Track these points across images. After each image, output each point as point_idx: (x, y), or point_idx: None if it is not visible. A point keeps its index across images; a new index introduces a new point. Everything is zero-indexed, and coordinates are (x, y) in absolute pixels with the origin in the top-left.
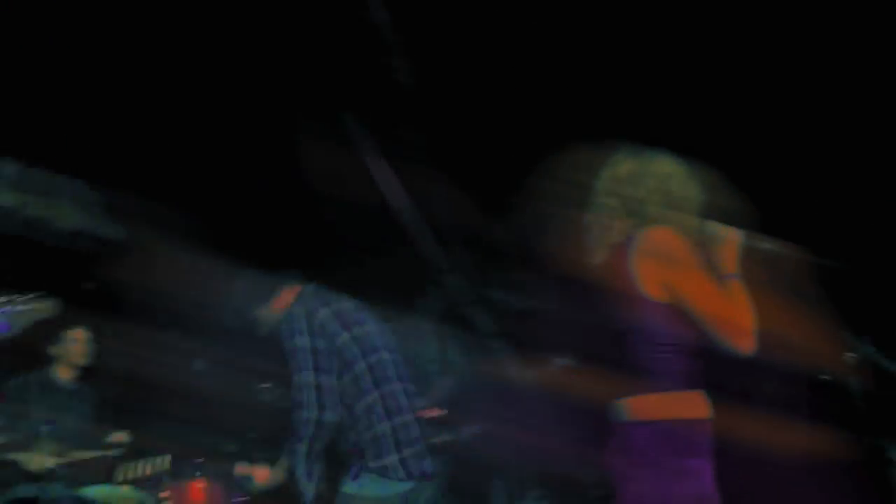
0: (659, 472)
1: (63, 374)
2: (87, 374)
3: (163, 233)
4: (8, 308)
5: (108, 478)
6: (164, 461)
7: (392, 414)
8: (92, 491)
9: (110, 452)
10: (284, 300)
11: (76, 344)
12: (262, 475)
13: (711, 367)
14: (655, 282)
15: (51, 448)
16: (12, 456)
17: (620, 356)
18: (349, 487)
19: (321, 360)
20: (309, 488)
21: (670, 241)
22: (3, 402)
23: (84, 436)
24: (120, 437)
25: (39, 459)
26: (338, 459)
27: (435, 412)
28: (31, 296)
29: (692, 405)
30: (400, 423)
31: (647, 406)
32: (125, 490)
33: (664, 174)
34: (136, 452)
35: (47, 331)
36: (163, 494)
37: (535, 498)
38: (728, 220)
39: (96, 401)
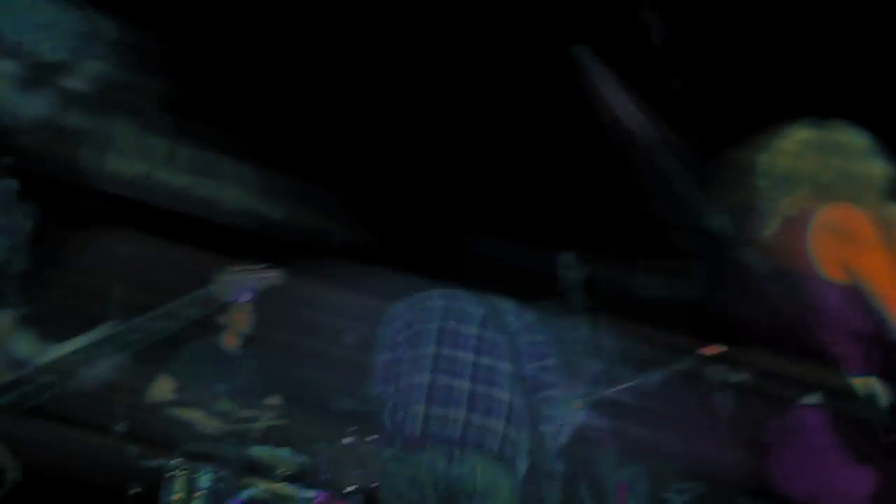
0: (830, 458)
1: (229, 342)
2: (249, 342)
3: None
4: (249, 277)
5: (267, 441)
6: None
7: None
8: (257, 451)
9: (270, 416)
10: None
11: (242, 313)
12: None
13: (888, 356)
14: (834, 261)
15: (223, 408)
16: (185, 415)
17: (798, 340)
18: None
19: None
20: None
21: (852, 219)
22: (176, 367)
23: (248, 399)
24: (276, 401)
25: (210, 420)
26: None
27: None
28: (262, 266)
29: None
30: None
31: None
32: (285, 452)
33: (847, 149)
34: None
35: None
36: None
37: (678, 491)
38: None
39: (257, 367)
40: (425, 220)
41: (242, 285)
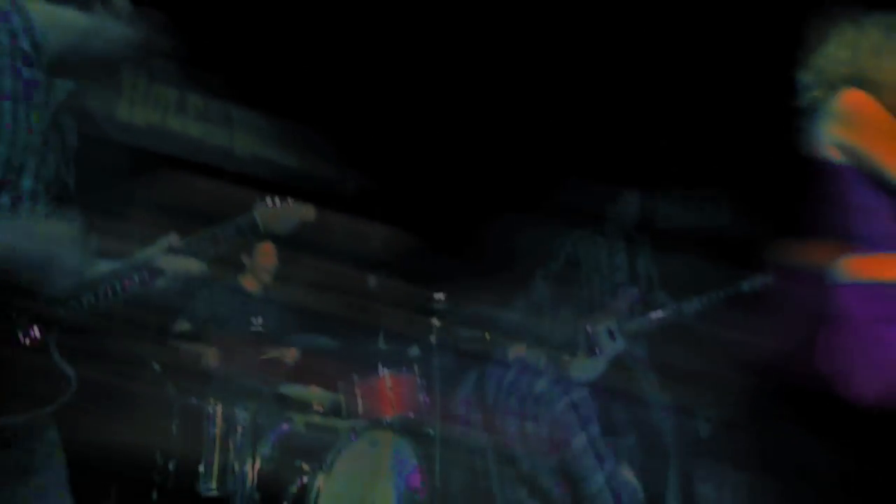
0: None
1: (248, 284)
2: (272, 283)
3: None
4: (288, 210)
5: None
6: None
7: None
8: (290, 389)
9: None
10: None
11: (266, 257)
12: None
13: None
14: (837, 144)
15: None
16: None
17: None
18: None
19: None
20: None
21: (860, 103)
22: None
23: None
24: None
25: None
26: None
27: None
28: (292, 200)
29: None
30: None
31: (851, 267)
32: (317, 391)
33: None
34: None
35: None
36: (355, 391)
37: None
38: None
39: (283, 311)
40: (455, 156)
41: (283, 216)
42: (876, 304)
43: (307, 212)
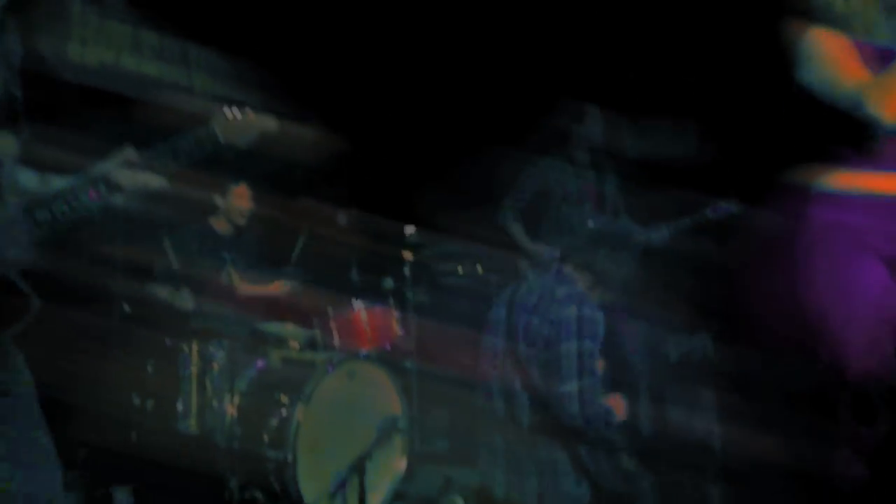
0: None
1: (220, 226)
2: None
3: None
4: (248, 120)
5: (271, 314)
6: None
7: None
8: (266, 326)
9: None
10: None
11: (240, 199)
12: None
13: None
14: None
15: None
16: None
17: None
18: None
19: None
20: None
21: (822, 37)
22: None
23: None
24: (277, 286)
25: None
26: None
27: None
28: (249, 108)
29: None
30: None
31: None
32: (292, 328)
33: None
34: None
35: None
36: (330, 325)
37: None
38: None
39: (255, 250)
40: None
41: (242, 127)
42: (855, 212)
43: (268, 122)
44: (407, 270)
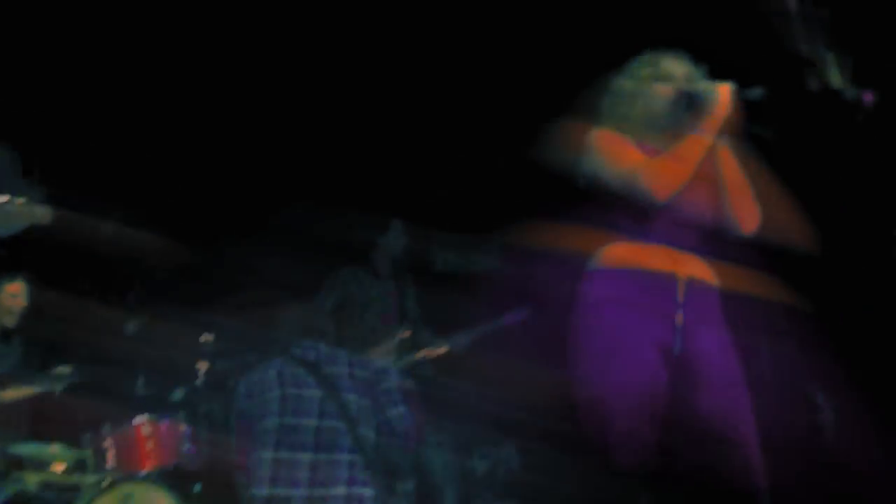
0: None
1: None
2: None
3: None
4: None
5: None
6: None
7: None
8: (20, 448)
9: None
10: None
11: (13, 299)
12: None
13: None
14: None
15: None
16: None
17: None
18: None
19: None
20: None
21: (604, 136)
22: None
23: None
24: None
25: None
26: None
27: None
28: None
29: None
30: None
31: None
32: (56, 448)
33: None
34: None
35: None
36: (105, 444)
37: (482, 456)
38: None
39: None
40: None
41: (9, 214)
42: (616, 286)
43: (41, 213)
44: (200, 381)
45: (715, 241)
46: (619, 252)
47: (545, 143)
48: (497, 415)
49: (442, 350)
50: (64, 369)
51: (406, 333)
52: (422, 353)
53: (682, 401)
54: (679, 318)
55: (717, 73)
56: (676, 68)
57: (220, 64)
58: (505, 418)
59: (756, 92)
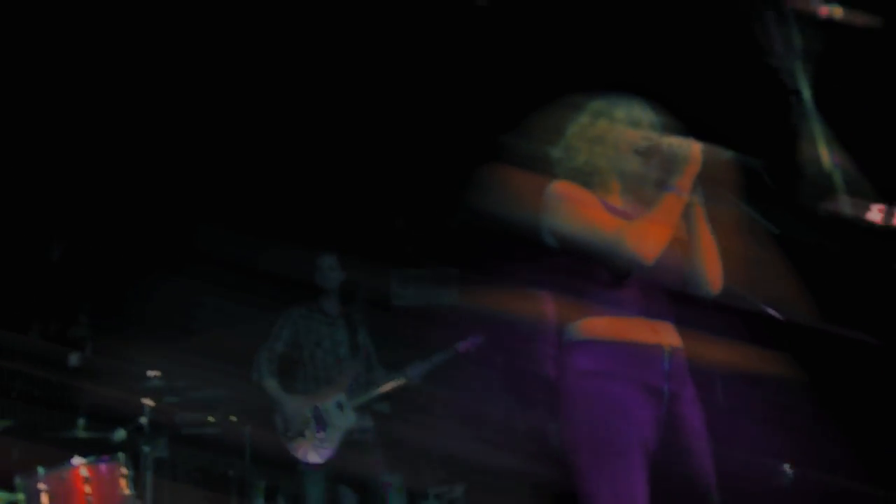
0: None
1: None
2: None
3: None
4: None
5: None
6: None
7: None
8: None
9: None
10: None
11: None
12: None
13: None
14: (553, 230)
15: None
16: None
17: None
18: None
19: None
20: None
21: (563, 189)
22: None
23: None
24: None
25: None
26: None
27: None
28: None
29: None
30: None
31: (582, 326)
32: None
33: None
34: None
35: None
36: (38, 486)
37: (436, 495)
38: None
39: None
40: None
41: None
42: (602, 359)
43: None
44: (144, 420)
45: (680, 303)
46: (601, 324)
47: (481, 188)
48: (450, 454)
49: (397, 384)
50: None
51: (358, 369)
52: (376, 389)
53: (670, 465)
54: (665, 387)
55: (682, 127)
56: (642, 115)
57: (168, 101)
58: (458, 458)
59: (750, 160)
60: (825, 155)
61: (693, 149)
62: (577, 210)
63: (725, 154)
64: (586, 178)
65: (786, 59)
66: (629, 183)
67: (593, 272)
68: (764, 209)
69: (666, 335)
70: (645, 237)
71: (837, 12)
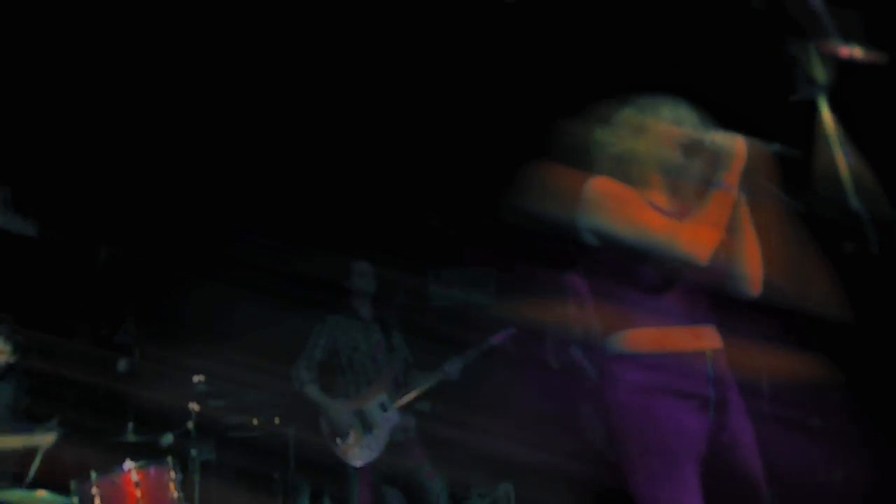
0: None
1: None
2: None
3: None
4: None
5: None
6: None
7: None
8: (6, 494)
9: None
10: None
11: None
12: None
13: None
14: (593, 228)
15: None
16: None
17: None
18: None
19: None
20: None
21: (604, 185)
22: None
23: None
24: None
25: None
26: None
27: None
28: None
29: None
30: None
31: (628, 338)
32: (42, 494)
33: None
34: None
35: None
36: (92, 491)
37: (479, 495)
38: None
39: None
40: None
41: None
42: (650, 373)
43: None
44: (191, 424)
45: (721, 305)
46: (647, 337)
47: (523, 188)
48: (495, 453)
49: (436, 381)
50: (52, 425)
51: (395, 371)
52: (417, 387)
53: (724, 480)
54: (711, 393)
55: (722, 124)
56: (686, 115)
57: (181, 104)
58: (503, 457)
59: (793, 151)
60: (840, 159)
61: (738, 143)
62: (621, 208)
63: (770, 147)
64: (626, 167)
65: (808, 93)
66: (670, 179)
67: (638, 274)
68: (805, 200)
69: (707, 338)
70: (698, 237)
71: (857, 53)
